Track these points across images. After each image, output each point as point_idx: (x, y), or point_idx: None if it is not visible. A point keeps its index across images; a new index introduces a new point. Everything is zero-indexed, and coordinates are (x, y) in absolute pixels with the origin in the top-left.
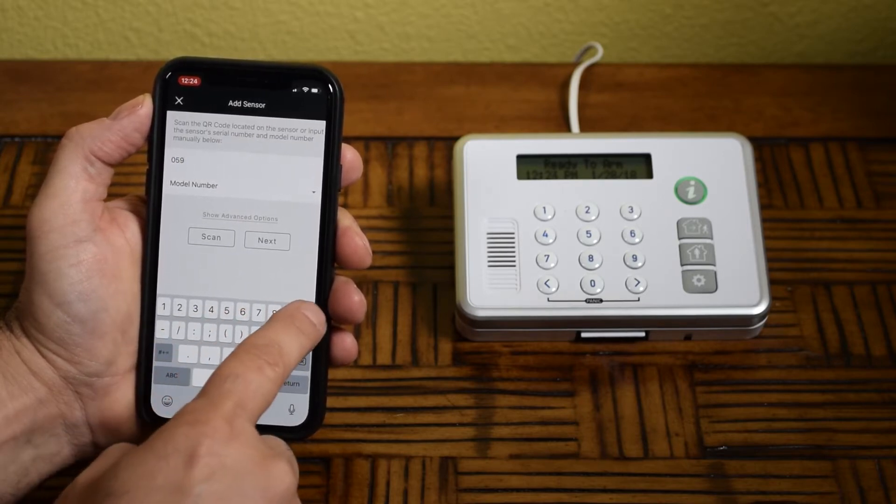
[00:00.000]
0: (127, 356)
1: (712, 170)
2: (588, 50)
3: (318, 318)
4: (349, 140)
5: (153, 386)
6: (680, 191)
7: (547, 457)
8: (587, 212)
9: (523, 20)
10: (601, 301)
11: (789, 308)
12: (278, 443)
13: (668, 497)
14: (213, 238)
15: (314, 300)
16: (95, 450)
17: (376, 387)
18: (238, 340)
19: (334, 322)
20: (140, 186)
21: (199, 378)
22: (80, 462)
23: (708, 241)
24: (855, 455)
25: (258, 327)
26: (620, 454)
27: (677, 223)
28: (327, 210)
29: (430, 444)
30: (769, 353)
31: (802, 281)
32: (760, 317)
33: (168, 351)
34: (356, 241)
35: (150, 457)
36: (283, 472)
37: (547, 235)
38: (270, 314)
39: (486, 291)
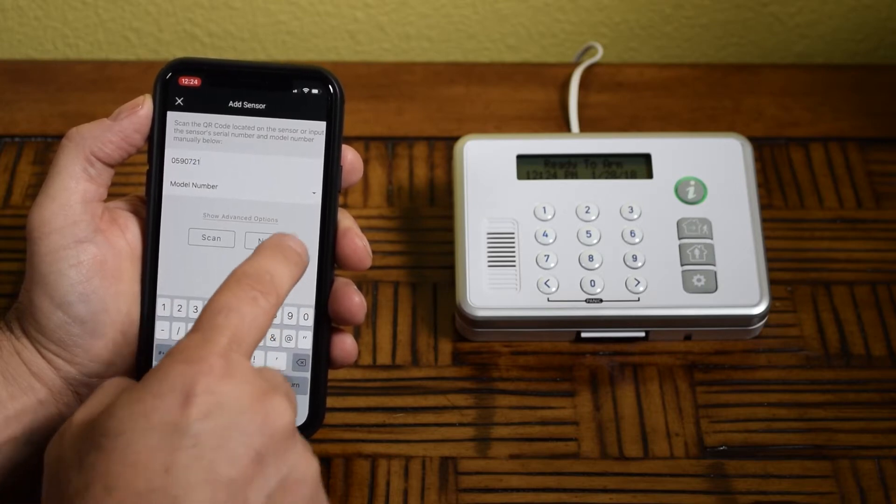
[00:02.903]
0: (127, 357)
1: (712, 170)
2: (588, 50)
3: (302, 248)
4: (349, 140)
5: None
6: (680, 191)
7: (547, 457)
8: (587, 212)
9: (523, 20)
10: (601, 301)
11: (789, 308)
12: (275, 375)
13: (668, 497)
14: (214, 239)
15: (314, 302)
16: None
17: (376, 387)
18: None
19: (334, 323)
20: (140, 186)
21: None
22: None
23: (708, 241)
24: (855, 455)
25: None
26: (620, 454)
27: (677, 223)
28: (327, 211)
29: (430, 444)
30: (769, 353)
31: (802, 281)
32: (760, 317)
33: None
34: (356, 243)
35: (146, 395)
36: (281, 407)
37: (547, 235)
38: None
39: (486, 291)
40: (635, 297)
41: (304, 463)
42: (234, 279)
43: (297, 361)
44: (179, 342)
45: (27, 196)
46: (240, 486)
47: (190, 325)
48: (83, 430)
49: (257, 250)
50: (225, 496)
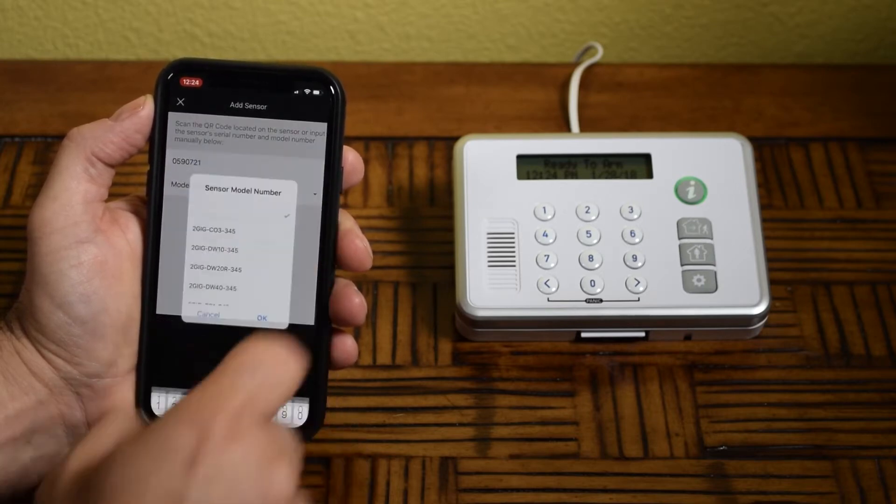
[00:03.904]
0: (127, 357)
1: (712, 170)
2: (588, 50)
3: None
4: (349, 140)
5: (154, 387)
6: (680, 191)
7: (547, 457)
8: (587, 212)
9: (523, 20)
10: (601, 301)
11: (789, 308)
12: (283, 436)
13: (668, 497)
14: (215, 240)
15: (315, 302)
16: None
17: (376, 387)
18: None
19: (335, 324)
20: (140, 187)
21: None
22: None
23: (708, 241)
24: (855, 455)
25: (258, 329)
26: (620, 454)
27: (677, 223)
28: (328, 212)
29: (430, 444)
30: (769, 353)
31: (802, 281)
32: (760, 317)
33: None
34: (357, 244)
35: (146, 457)
36: (285, 476)
37: (547, 235)
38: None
39: (486, 291)
40: (635, 297)
41: None
42: (268, 337)
43: None
44: (190, 395)
45: (27, 196)
46: None
47: None
48: (77, 482)
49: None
50: None
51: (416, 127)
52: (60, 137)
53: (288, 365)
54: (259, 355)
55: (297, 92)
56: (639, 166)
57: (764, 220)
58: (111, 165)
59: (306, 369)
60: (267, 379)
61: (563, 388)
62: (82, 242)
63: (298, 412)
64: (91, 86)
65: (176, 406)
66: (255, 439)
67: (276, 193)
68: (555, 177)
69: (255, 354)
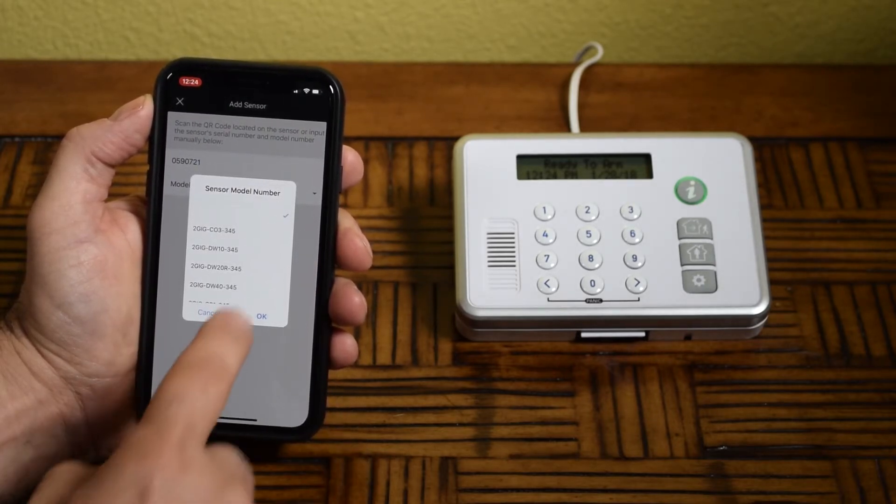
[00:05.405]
0: (127, 357)
1: (712, 170)
2: (588, 50)
3: (247, 324)
4: (349, 140)
5: (153, 387)
6: (680, 191)
7: (547, 457)
8: (587, 212)
9: (523, 20)
10: (601, 301)
11: (789, 308)
12: (231, 460)
13: (668, 497)
14: (214, 239)
15: (315, 302)
16: (95, 450)
17: (376, 387)
18: None
19: (335, 324)
20: (140, 186)
21: None
22: None
23: (708, 241)
24: (855, 455)
25: (257, 330)
26: (620, 454)
27: (677, 223)
28: (328, 212)
29: (430, 444)
30: (769, 353)
31: (802, 281)
32: (760, 317)
33: None
34: (357, 243)
35: (101, 493)
36: (238, 499)
37: (547, 235)
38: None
39: (486, 291)
40: (635, 297)
41: None
42: (183, 366)
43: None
44: (132, 436)
45: (27, 196)
46: None
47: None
48: None
49: (203, 332)
50: None
51: (416, 127)
52: (60, 137)
53: (207, 390)
54: (178, 388)
55: (296, 91)
56: (639, 166)
57: (764, 220)
58: (111, 165)
59: (228, 389)
60: (196, 404)
61: (563, 388)
62: (82, 242)
63: (299, 412)
64: (91, 86)
65: (120, 447)
66: (204, 466)
67: (275, 193)
68: (555, 177)
69: (175, 388)
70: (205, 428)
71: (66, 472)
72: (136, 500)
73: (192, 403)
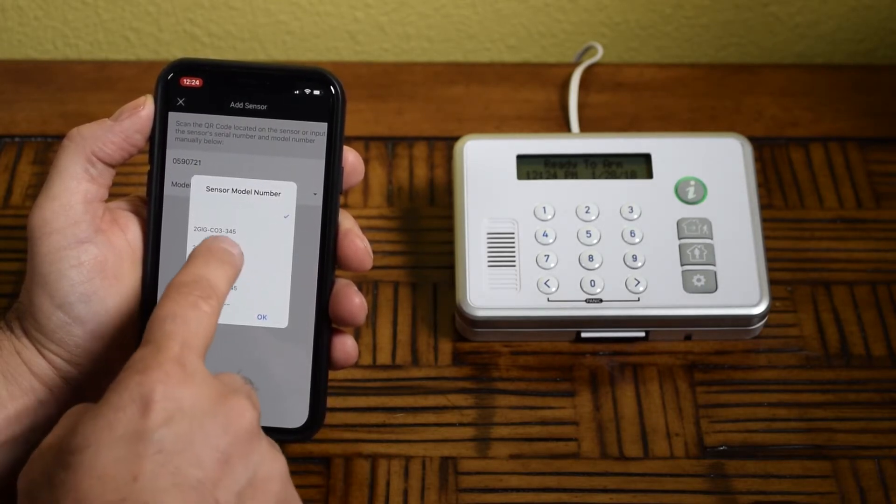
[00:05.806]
0: (127, 357)
1: (712, 170)
2: (588, 50)
3: (234, 247)
4: (349, 140)
5: None
6: (680, 191)
7: (547, 457)
8: (587, 212)
9: (523, 20)
10: (601, 301)
11: (789, 308)
12: (234, 379)
13: (668, 497)
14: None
15: (315, 302)
16: None
17: (376, 387)
18: None
19: (335, 324)
20: (141, 186)
21: None
22: None
23: (708, 241)
24: (855, 455)
25: (258, 331)
26: (620, 454)
27: (677, 223)
28: (328, 212)
29: (430, 444)
30: (769, 353)
31: (802, 281)
32: (760, 317)
33: None
34: (357, 244)
35: (106, 410)
36: (242, 407)
37: (547, 235)
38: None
39: (486, 291)
40: (635, 297)
41: (270, 461)
42: (173, 289)
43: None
44: (133, 355)
45: (27, 196)
46: (208, 487)
47: None
48: (50, 452)
49: (190, 258)
50: (194, 499)
51: (416, 127)
52: (60, 137)
53: (199, 307)
54: (171, 309)
55: (297, 92)
56: (639, 166)
57: (764, 220)
58: (111, 165)
59: (218, 306)
60: (189, 321)
61: (563, 388)
62: (82, 242)
63: (299, 412)
64: (91, 86)
65: (124, 367)
66: (205, 379)
67: (276, 193)
68: (555, 177)
69: (168, 309)
70: (201, 343)
71: (78, 407)
72: (139, 412)
73: (185, 320)
